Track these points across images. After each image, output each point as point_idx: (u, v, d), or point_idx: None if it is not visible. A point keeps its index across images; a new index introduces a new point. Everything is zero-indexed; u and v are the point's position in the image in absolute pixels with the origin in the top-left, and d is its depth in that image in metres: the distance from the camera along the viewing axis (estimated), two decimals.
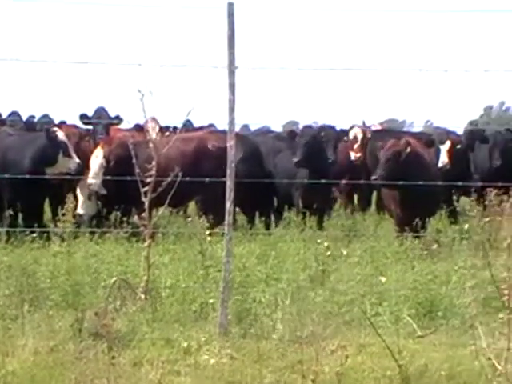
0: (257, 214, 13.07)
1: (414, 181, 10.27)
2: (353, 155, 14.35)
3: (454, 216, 12.47)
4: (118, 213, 10.94)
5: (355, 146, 14.41)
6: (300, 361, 6.08)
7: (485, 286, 7.35)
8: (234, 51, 7.22)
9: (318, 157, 12.33)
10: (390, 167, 11.05)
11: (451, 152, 13.76)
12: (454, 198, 12.12)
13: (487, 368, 5.83)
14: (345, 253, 9.60)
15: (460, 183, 10.94)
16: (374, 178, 11.09)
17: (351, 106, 48.89)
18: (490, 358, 5.76)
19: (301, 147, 12.41)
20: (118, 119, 12.88)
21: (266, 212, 12.99)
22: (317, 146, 12.47)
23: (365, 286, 8.46)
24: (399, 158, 11.16)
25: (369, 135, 14.76)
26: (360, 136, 14.50)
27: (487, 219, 8.41)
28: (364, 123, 14.98)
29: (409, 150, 11.29)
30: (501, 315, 5.94)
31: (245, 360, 6.69)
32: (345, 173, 14.19)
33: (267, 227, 12.49)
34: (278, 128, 17.20)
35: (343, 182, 13.83)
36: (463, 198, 14.26)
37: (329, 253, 9.29)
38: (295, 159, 12.28)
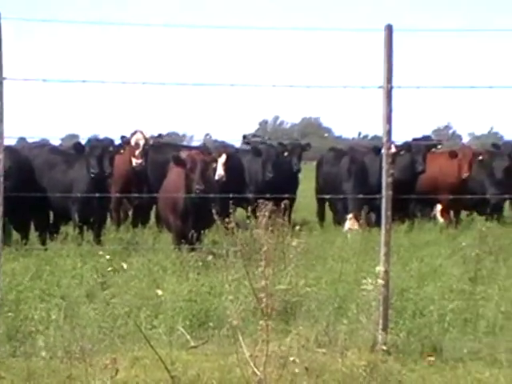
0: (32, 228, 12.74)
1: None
2: (134, 161, 14.26)
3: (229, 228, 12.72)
4: None
5: (137, 153, 14.32)
6: (69, 377, 5.97)
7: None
8: (1, 61, 6.99)
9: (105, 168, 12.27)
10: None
11: (227, 165, 14.10)
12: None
13: (251, 374, 5.98)
14: (125, 266, 9.55)
15: (231, 195, 11.16)
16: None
17: (131, 119, 48.80)
18: (255, 365, 5.92)
19: (94, 159, 12.27)
20: None
21: (41, 227, 12.67)
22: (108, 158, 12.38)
23: (141, 299, 8.45)
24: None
25: (151, 141, 14.75)
26: (142, 142, 14.43)
27: (259, 230, 8.64)
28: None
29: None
30: (261, 322, 6.13)
31: (14, 379, 6.48)
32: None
33: (43, 242, 12.19)
34: (56, 141, 16.85)
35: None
36: (239, 210, 14.61)
37: (110, 268, 9.20)
38: (94, 171, 12.13)
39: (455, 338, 7.46)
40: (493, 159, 16.06)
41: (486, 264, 9.50)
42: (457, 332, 7.60)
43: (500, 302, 8.08)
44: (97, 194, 11.26)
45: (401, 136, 18.45)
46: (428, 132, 41.78)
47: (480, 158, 15.72)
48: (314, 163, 17.75)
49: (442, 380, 6.50)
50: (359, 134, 45.78)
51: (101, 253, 9.58)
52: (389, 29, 7.52)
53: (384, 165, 7.68)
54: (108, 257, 9.26)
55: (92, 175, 12.21)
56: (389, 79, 7.51)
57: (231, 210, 12.15)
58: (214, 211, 11.68)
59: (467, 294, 8.44)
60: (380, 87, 7.52)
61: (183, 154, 11.88)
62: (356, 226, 13.78)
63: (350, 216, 14.01)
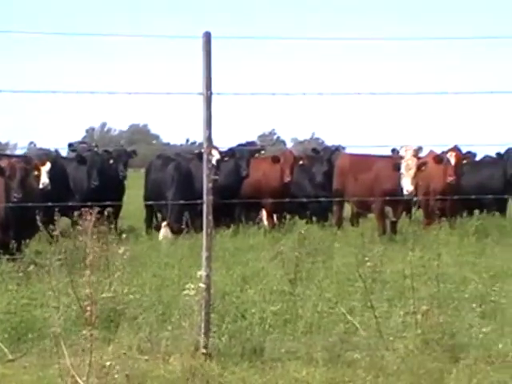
0: None
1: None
2: None
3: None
4: None
5: None
6: None
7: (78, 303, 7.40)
8: None
9: None
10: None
11: (51, 173, 13.79)
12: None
13: None
14: None
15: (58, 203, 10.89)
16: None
17: None
18: (73, 376, 5.78)
19: None
20: None
21: None
22: None
23: None
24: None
25: None
26: None
27: (82, 238, 8.50)
28: None
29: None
30: (84, 331, 6.00)
31: None
32: None
33: None
34: None
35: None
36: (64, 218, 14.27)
37: None
38: None
39: (275, 338, 7.56)
40: (313, 164, 16.50)
41: (306, 266, 9.69)
42: (277, 333, 7.71)
43: (317, 302, 8.26)
44: None
45: (228, 142, 18.63)
46: (254, 137, 42.49)
47: (301, 162, 16.11)
48: (143, 170, 17.66)
49: (261, 381, 6.57)
50: (187, 140, 45.83)
51: None
52: (207, 36, 7.54)
53: (205, 170, 7.70)
54: None
55: None
56: (208, 86, 7.53)
57: (56, 219, 11.99)
58: (37, 220, 11.51)
59: (287, 295, 8.58)
60: (200, 94, 7.53)
61: (2, 163, 11.51)
62: (169, 234, 13.78)
63: (164, 223, 14.02)
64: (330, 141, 28.48)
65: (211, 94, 7.54)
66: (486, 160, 17.33)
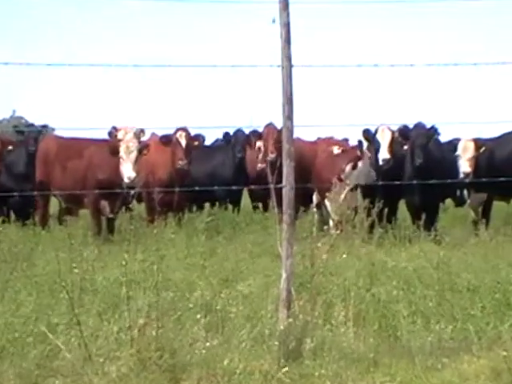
0: None
1: None
2: None
3: None
4: None
5: None
6: None
7: None
8: None
9: None
10: None
11: None
12: None
13: None
14: None
15: None
16: None
17: None
18: None
19: None
20: None
21: None
22: None
23: None
24: None
25: None
26: None
27: None
28: None
29: None
30: None
31: None
32: None
33: None
34: None
35: None
36: None
37: None
38: None
39: None
40: (15, 149, 16.14)
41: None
42: None
43: (11, 320, 8.00)
44: None
45: None
46: None
47: (10, 148, 15.77)
48: None
49: None
50: None
51: None
52: None
53: None
54: None
55: None
56: None
57: None
58: None
59: None
60: None
61: None
62: None
63: None
64: (35, 120, 28.07)
65: None
66: (217, 144, 17.37)
